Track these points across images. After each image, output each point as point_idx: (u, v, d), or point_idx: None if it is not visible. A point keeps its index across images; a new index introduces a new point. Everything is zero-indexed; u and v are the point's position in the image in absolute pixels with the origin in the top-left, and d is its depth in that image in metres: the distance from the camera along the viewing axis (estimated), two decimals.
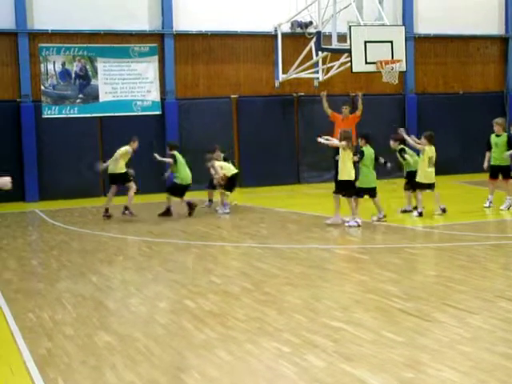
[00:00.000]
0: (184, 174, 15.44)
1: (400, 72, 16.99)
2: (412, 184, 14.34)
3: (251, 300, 8.18)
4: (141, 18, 19.96)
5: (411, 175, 14.40)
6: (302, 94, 21.44)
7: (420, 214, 13.92)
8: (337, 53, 18.30)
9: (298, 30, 20.87)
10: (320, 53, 19.07)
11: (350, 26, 16.54)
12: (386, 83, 17.03)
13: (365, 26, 16.76)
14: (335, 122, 18.61)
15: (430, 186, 14.04)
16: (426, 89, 22.85)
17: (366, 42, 16.37)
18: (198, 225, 14.24)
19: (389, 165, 14.69)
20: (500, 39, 23.54)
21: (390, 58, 16.53)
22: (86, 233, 13.62)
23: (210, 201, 16.33)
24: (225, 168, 15.56)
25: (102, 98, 19.59)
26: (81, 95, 19.42)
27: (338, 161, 13.74)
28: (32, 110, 18.95)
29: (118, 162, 14.86)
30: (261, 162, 20.59)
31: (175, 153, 15.49)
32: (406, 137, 14.46)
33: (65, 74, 19.28)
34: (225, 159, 16.06)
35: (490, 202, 14.85)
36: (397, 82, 16.98)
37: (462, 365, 5.79)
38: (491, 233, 12.88)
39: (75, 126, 19.27)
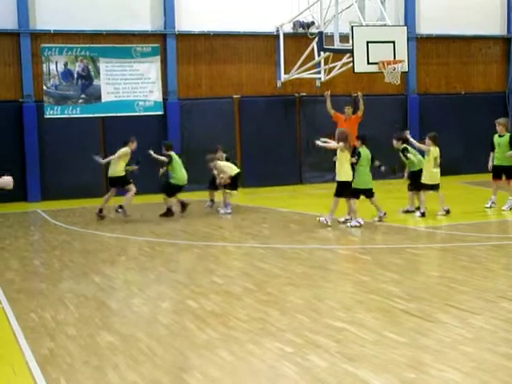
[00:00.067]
0: (180, 174, 15.46)
1: (402, 72, 16.98)
2: (415, 184, 14.33)
3: (253, 300, 8.18)
4: (143, 18, 19.97)
5: (415, 175, 14.39)
6: (304, 94, 21.45)
7: (423, 215, 13.92)
8: (339, 53, 18.29)
9: (300, 30, 20.88)
10: (322, 53, 19.08)
11: (352, 27, 16.54)
12: (388, 83, 17.03)
13: (367, 26, 16.76)
14: (338, 123, 18.62)
15: (434, 187, 14.03)
16: (428, 89, 22.84)
17: (368, 43, 16.37)
18: (200, 225, 14.25)
19: (383, 168, 14.76)
20: (502, 39, 23.52)
21: (392, 59, 16.53)
22: (88, 233, 13.62)
23: (212, 201, 16.33)
24: (228, 167, 15.61)
25: (104, 98, 19.60)
26: (83, 95, 19.43)
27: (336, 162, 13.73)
28: (34, 110, 18.96)
29: (118, 164, 14.85)
30: (263, 163, 20.59)
31: (171, 153, 15.49)
32: (412, 139, 14.46)
33: (67, 74, 19.29)
34: (227, 159, 16.06)
35: (493, 203, 14.84)
36: (399, 82, 16.98)
37: (464, 365, 5.79)
38: (493, 233, 12.87)
39: (77, 126, 19.28)
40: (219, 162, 15.59)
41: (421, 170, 14.34)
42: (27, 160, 18.86)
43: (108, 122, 19.66)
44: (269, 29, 20.94)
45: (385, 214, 13.59)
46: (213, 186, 16.07)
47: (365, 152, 13.70)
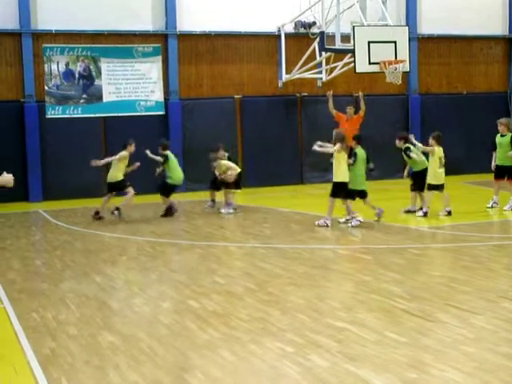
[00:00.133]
0: (176, 174, 15.47)
1: (403, 72, 16.97)
2: (418, 185, 14.32)
3: (255, 300, 8.18)
4: (144, 18, 19.97)
5: (418, 175, 14.39)
6: (306, 94, 21.44)
7: (425, 214, 13.92)
8: (340, 53, 18.28)
9: (302, 30, 20.85)
10: (323, 53, 19.05)
11: (353, 27, 16.53)
12: (390, 83, 17.02)
13: (368, 26, 16.75)
14: (340, 123, 18.64)
15: (439, 187, 14.03)
16: (430, 89, 22.82)
17: (369, 43, 16.35)
18: (202, 225, 14.26)
19: (373, 172, 14.83)
20: (503, 39, 23.50)
21: (393, 59, 16.52)
22: (89, 233, 13.63)
23: (213, 201, 16.32)
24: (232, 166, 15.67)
25: (106, 98, 19.59)
26: (84, 95, 19.43)
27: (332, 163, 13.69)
28: (36, 110, 18.96)
29: (117, 168, 14.81)
30: (264, 162, 20.59)
31: (168, 153, 15.48)
32: (416, 142, 14.46)
33: (68, 74, 19.29)
34: (228, 158, 16.06)
35: (495, 203, 14.84)
36: (400, 82, 16.98)
37: (465, 365, 5.79)
38: (494, 233, 12.87)
39: (79, 126, 19.27)
40: (222, 161, 15.60)
41: (424, 171, 14.34)
42: (29, 160, 18.86)
43: (109, 122, 19.66)
44: (270, 29, 20.93)
45: (382, 210, 13.60)
46: (214, 185, 16.06)
47: (361, 152, 13.72)
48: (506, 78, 23.61)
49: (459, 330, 6.74)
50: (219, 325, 7.20)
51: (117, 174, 14.85)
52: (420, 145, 14.42)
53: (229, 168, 15.57)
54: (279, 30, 20.85)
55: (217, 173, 15.77)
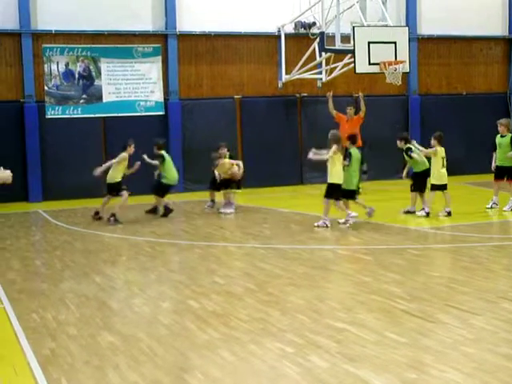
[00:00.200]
0: (171, 174, 15.46)
1: (403, 73, 16.97)
2: (419, 185, 14.33)
3: (254, 300, 8.19)
4: (144, 18, 19.96)
5: (418, 176, 14.39)
6: (306, 94, 21.43)
7: (427, 214, 13.92)
8: (340, 53, 18.28)
9: (302, 30, 20.85)
10: (323, 53, 19.05)
11: (353, 27, 16.53)
12: (390, 84, 17.01)
13: (368, 26, 16.75)
14: (340, 123, 18.63)
15: (442, 187, 14.04)
16: (430, 90, 22.83)
17: (369, 43, 16.35)
18: (201, 225, 14.26)
19: (366, 175, 14.71)
20: (503, 40, 23.50)
21: (393, 59, 16.52)
22: (89, 233, 13.63)
23: (213, 201, 16.31)
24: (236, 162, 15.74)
25: (106, 98, 19.59)
26: (84, 95, 19.43)
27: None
28: (35, 110, 18.96)
29: (116, 170, 14.76)
30: (264, 163, 20.58)
31: (163, 153, 15.46)
32: (418, 146, 14.45)
33: (68, 74, 19.29)
34: (230, 157, 16.07)
35: (494, 203, 14.85)
36: (400, 82, 16.97)
37: (465, 366, 5.79)
38: (494, 234, 12.88)
39: (79, 126, 19.26)
40: (225, 160, 15.63)
41: (425, 171, 14.35)
42: (28, 160, 18.85)
43: (109, 123, 19.65)
44: (270, 29, 20.93)
45: (373, 209, 13.63)
46: (213, 186, 16.06)
47: (355, 152, 13.74)
48: (505, 79, 23.61)
49: (459, 330, 6.74)
50: (219, 325, 7.21)
51: (115, 175, 14.82)
52: (422, 148, 14.40)
53: (233, 164, 15.61)
54: (279, 31, 20.84)
55: (217, 173, 15.75)
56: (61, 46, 19.13)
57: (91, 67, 19.44)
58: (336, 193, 13.32)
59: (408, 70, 17.28)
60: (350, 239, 12.46)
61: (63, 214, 16.34)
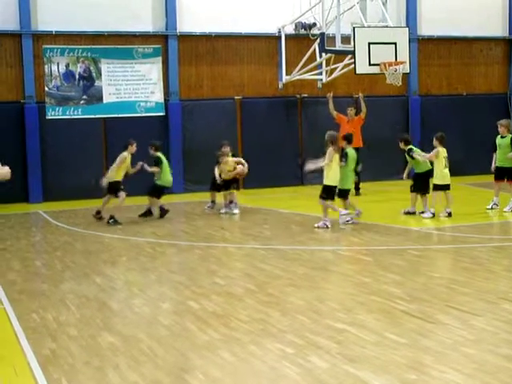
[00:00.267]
0: (166, 176, 15.40)
1: (403, 74, 16.98)
2: (420, 186, 14.32)
3: (254, 301, 8.19)
4: (144, 19, 19.97)
5: (420, 177, 14.38)
6: (306, 95, 21.44)
7: (433, 215, 13.90)
8: (340, 54, 18.29)
9: (302, 31, 20.85)
10: (324, 54, 19.05)
11: (353, 28, 16.54)
12: (390, 85, 17.01)
13: (368, 27, 16.75)
14: (341, 124, 18.63)
15: (446, 187, 14.03)
16: (430, 90, 22.83)
17: (369, 44, 16.35)
18: (202, 226, 14.26)
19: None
20: (503, 41, 23.51)
21: (393, 60, 16.52)
22: (89, 234, 13.63)
23: (213, 202, 16.32)
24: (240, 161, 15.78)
25: (106, 99, 19.59)
26: (85, 96, 19.43)
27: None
28: (36, 111, 18.96)
29: (116, 169, 14.75)
30: (264, 164, 20.56)
31: (159, 155, 15.41)
32: (419, 151, 14.44)
33: (69, 75, 19.29)
34: (233, 155, 16.10)
35: (495, 204, 14.85)
36: (400, 83, 16.96)
37: (465, 367, 5.79)
38: (494, 235, 12.88)
39: (79, 127, 19.26)
40: (230, 158, 15.65)
41: (427, 172, 14.34)
42: (29, 161, 18.85)
43: (109, 123, 19.65)
44: (270, 30, 20.93)
45: (360, 211, 13.63)
46: (214, 186, 16.05)
47: (351, 152, 13.74)
48: (505, 80, 23.61)
49: (459, 331, 6.74)
50: (219, 326, 7.21)
51: (115, 173, 14.80)
52: (424, 154, 14.36)
53: (238, 163, 15.64)
54: (279, 31, 20.85)
55: (217, 174, 15.73)
56: (61, 46, 19.14)
57: (91, 68, 19.44)
58: (331, 194, 13.32)
59: (408, 71, 17.29)
60: (350, 240, 12.46)
61: (63, 215, 16.34)
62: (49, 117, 19.05)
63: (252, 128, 20.91)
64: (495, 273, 9.39)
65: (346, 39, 17.13)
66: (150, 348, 6.57)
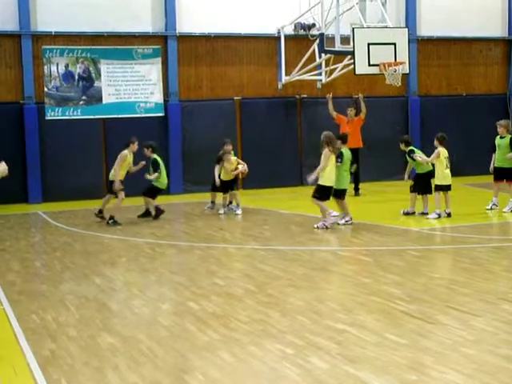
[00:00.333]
0: (163, 177, 15.38)
1: (403, 74, 16.97)
2: (420, 187, 14.32)
3: (254, 302, 8.18)
4: (144, 19, 19.96)
5: (421, 177, 14.37)
6: (305, 95, 21.44)
7: (439, 216, 13.89)
8: (340, 55, 18.28)
9: (301, 32, 20.84)
10: (323, 55, 19.05)
11: (353, 28, 16.53)
12: (389, 85, 17.01)
13: (368, 28, 16.76)
14: (340, 125, 18.62)
15: (447, 188, 14.03)
16: (429, 91, 22.84)
17: (369, 44, 16.35)
18: (201, 227, 14.25)
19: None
20: (503, 41, 23.51)
21: (393, 60, 16.52)
22: (89, 234, 13.62)
23: (213, 203, 16.32)
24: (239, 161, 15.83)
25: (105, 99, 19.59)
26: (84, 97, 19.43)
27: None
28: (35, 111, 18.95)
29: (119, 169, 14.72)
30: (264, 164, 20.56)
31: (156, 157, 15.37)
32: (421, 154, 14.42)
33: (68, 75, 19.29)
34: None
35: (494, 204, 14.85)
36: (400, 84, 16.96)
37: (465, 367, 5.79)
38: (494, 235, 12.88)
39: (78, 127, 19.26)
40: (232, 156, 15.69)
41: (428, 173, 14.33)
42: (28, 161, 18.84)
43: (109, 124, 19.64)
44: (270, 30, 20.94)
45: (351, 218, 13.60)
46: (216, 187, 16.02)
47: (346, 152, 13.73)
48: (505, 80, 23.62)
49: (459, 331, 6.74)
50: (219, 326, 7.20)
51: (117, 173, 14.73)
52: (425, 157, 14.33)
53: (239, 163, 15.71)
54: (279, 32, 20.84)
55: (216, 175, 15.72)
56: (60, 47, 19.14)
57: (91, 68, 19.44)
58: (325, 194, 13.28)
59: (408, 72, 17.28)
60: (349, 240, 12.45)
61: (63, 216, 16.33)
62: (48, 117, 19.05)
63: (251, 128, 20.91)
64: (495, 273, 9.39)
65: (345, 40, 17.13)
66: (150, 349, 6.57)
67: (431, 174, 14.36)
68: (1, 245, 12.83)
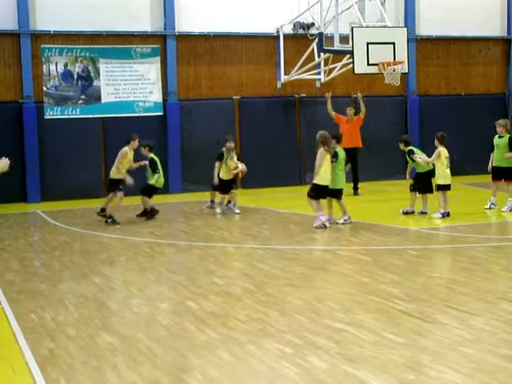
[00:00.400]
0: (161, 178, 15.35)
1: (402, 73, 16.97)
2: (420, 186, 14.32)
3: (253, 301, 8.18)
4: (143, 19, 19.96)
5: (421, 177, 14.38)
6: (304, 95, 21.44)
7: (443, 215, 13.87)
8: (339, 54, 18.29)
9: (300, 31, 20.84)
10: (322, 54, 19.06)
11: (352, 28, 16.53)
12: (388, 85, 17.02)
13: (367, 27, 16.76)
14: (340, 124, 18.62)
15: (447, 187, 14.03)
16: (428, 90, 22.84)
17: (368, 44, 16.36)
18: (200, 226, 14.25)
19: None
20: (502, 40, 23.52)
21: (392, 60, 16.52)
22: (87, 234, 13.62)
23: (212, 202, 16.31)
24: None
25: (104, 99, 19.59)
26: (83, 96, 19.42)
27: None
28: (34, 110, 18.94)
29: (120, 166, 14.71)
30: (263, 163, 20.57)
31: (153, 156, 15.35)
32: (421, 155, 14.41)
33: (67, 74, 19.28)
34: None
35: (493, 204, 14.86)
36: (399, 83, 16.97)
37: (464, 366, 5.79)
38: (493, 234, 12.88)
39: (77, 126, 19.25)
40: (234, 155, 15.75)
41: (428, 172, 14.32)
42: (27, 161, 18.84)
43: (108, 123, 19.64)
44: (269, 30, 20.94)
45: (349, 218, 13.60)
46: (215, 186, 15.99)
47: (341, 152, 13.73)
48: (504, 80, 23.63)
49: (458, 331, 6.74)
50: (217, 326, 7.20)
51: (118, 170, 14.71)
52: (426, 158, 14.33)
53: (237, 162, 15.74)
54: (278, 31, 20.84)
55: (216, 173, 15.70)
56: (59, 46, 19.13)
57: (90, 68, 19.44)
58: (320, 194, 13.28)
59: (407, 71, 17.29)
60: (348, 240, 12.45)
61: (62, 215, 16.33)
62: (47, 116, 19.04)
63: (250, 128, 20.91)
64: (494, 273, 9.39)
65: (344, 39, 17.14)
66: (149, 348, 6.57)
67: (432, 173, 14.35)
68: (0, 244, 12.83)
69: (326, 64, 20.00)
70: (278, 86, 21.05)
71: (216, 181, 15.67)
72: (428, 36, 22.49)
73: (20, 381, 5.94)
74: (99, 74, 19.52)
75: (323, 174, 13.22)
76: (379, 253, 10.97)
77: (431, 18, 22.34)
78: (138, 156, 15.28)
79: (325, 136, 13.32)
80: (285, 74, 20.62)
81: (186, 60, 20.44)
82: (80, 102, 19.39)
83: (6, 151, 18.00)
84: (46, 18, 18.97)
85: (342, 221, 13.57)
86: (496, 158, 14.90)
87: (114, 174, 14.84)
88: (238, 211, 15.61)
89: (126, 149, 14.75)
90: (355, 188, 18.37)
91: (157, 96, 20.05)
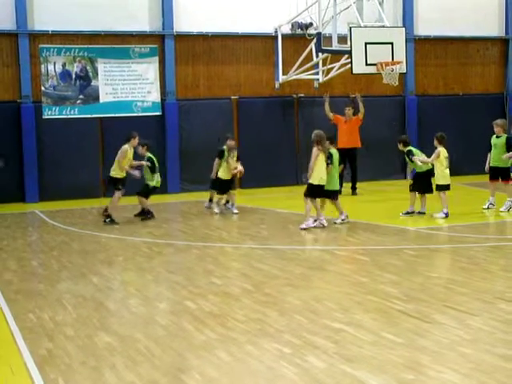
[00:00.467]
0: (158, 177, 15.34)
1: (400, 73, 16.99)
2: (419, 186, 14.32)
3: (251, 301, 8.18)
4: (141, 18, 19.95)
5: (420, 177, 14.37)
6: (302, 95, 21.44)
7: (446, 215, 13.87)
8: (337, 54, 18.30)
9: (299, 31, 20.85)
10: (320, 54, 19.06)
11: (350, 28, 16.55)
12: (386, 85, 17.03)
13: (365, 27, 16.77)
14: (338, 125, 18.62)
15: (447, 187, 14.02)
16: (426, 90, 22.85)
17: (366, 44, 16.37)
18: (198, 226, 14.25)
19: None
20: (500, 40, 23.53)
21: (390, 60, 16.53)
22: (86, 233, 13.62)
23: (211, 201, 16.31)
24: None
25: (103, 98, 19.58)
26: (81, 96, 19.41)
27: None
28: (32, 110, 18.93)
29: (119, 165, 14.68)
30: (261, 163, 20.57)
31: (151, 155, 15.33)
32: (420, 157, 14.40)
33: (65, 74, 19.27)
34: None
35: (491, 204, 14.87)
36: (397, 83, 16.98)
37: (462, 366, 5.79)
38: (491, 234, 12.89)
39: (75, 126, 19.25)
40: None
41: (427, 172, 14.31)
42: (25, 161, 18.82)
43: (106, 123, 19.63)
44: (267, 30, 20.93)
45: (347, 217, 13.60)
46: (214, 186, 15.98)
47: (335, 152, 13.73)
48: (502, 80, 23.64)
49: (456, 331, 6.75)
50: (216, 326, 7.20)
51: (119, 169, 14.68)
52: (426, 158, 14.32)
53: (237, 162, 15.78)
54: (276, 31, 20.85)
55: (215, 169, 15.69)
56: (58, 46, 19.12)
57: (88, 68, 19.43)
58: (315, 193, 13.27)
59: (405, 71, 17.30)
60: (346, 240, 12.46)
61: (60, 215, 16.32)
62: (45, 116, 19.03)
63: (249, 128, 20.90)
64: (492, 273, 9.40)
65: (342, 39, 17.15)
66: (147, 348, 6.57)
67: (431, 173, 14.34)
68: None
69: (324, 64, 20.00)
70: (276, 86, 21.06)
71: (214, 175, 15.67)
72: (426, 36, 22.50)
73: (18, 381, 5.93)
74: (97, 74, 19.51)
75: (317, 174, 13.21)
76: (377, 253, 10.97)
77: (429, 17, 22.35)
78: (137, 156, 15.26)
79: (320, 135, 13.30)
80: (283, 74, 20.63)
81: (184, 60, 20.44)
82: (78, 101, 19.38)
83: (5, 151, 18.24)
84: (44, 18, 18.96)
85: (339, 221, 13.57)
86: (493, 158, 14.91)
87: (114, 172, 14.82)
88: (236, 211, 15.62)
89: (126, 147, 14.74)
90: (354, 188, 18.38)
91: (155, 96, 20.04)
